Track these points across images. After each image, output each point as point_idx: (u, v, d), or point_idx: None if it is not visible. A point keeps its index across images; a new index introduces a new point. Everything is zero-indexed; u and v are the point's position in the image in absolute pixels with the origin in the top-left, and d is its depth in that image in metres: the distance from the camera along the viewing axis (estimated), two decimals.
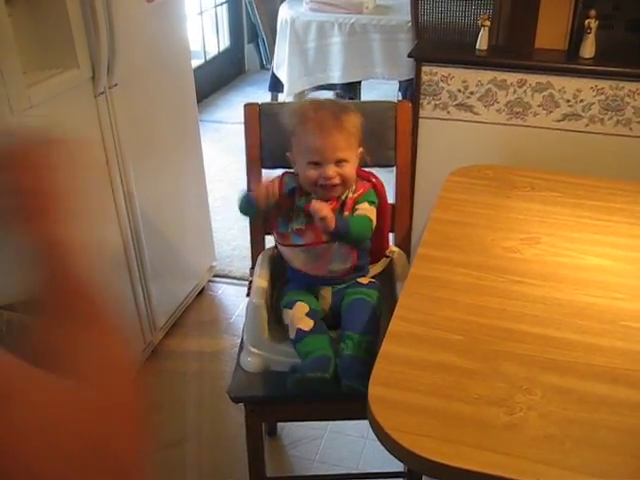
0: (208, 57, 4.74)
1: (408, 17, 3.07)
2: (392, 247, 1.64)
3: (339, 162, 1.42)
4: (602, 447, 0.90)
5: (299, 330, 1.39)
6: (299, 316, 1.41)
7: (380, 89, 4.47)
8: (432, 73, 2.12)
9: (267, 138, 1.64)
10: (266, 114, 1.63)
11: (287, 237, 1.50)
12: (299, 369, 1.34)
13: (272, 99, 3.96)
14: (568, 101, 2.05)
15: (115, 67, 1.84)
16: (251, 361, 1.49)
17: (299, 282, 1.52)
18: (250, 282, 1.56)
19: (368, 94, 4.40)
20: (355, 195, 1.48)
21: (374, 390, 0.99)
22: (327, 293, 1.50)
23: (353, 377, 1.28)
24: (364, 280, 1.53)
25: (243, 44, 5.14)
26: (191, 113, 2.39)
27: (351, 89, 3.73)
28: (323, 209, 1.34)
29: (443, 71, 2.11)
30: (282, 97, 3.79)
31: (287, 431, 2.03)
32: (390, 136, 1.63)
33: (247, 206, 1.49)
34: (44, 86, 1.62)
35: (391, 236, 1.69)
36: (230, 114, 4.34)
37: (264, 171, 1.68)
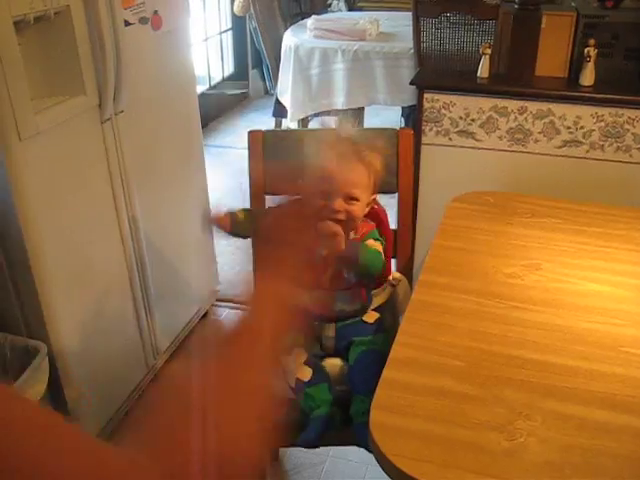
0: (212, 82, 4.79)
1: (411, 44, 3.13)
2: (394, 273, 1.65)
3: (350, 199, 1.39)
4: (602, 474, 0.90)
5: (298, 380, 1.39)
6: (297, 365, 1.41)
7: (383, 115, 4.52)
8: (434, 100, 2.15)
9: (270, 164, 1.66)
10: (270, 140, 1.65)
11: None
12: (306, 437, 1.34)
13: (276, 125, 4.01)
14: (569, 128, 2.07)
15: (121, 94, 1.86)
16: None
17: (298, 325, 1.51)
18: None
19: (371, 120, 4.44)
20: (358, 236, 1.46)
21: (375, 415, 0.99)
22: (330, 331, 1.49)
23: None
24: (370, 318, 1.51)
25: (247, 70, 5.19)
26: (196, 139, 2.42)
27: (354, 115, 3.76)
28: (335, 225, 1.33)
29: (445, 98, 2.14)
30: (286, 123, 3.83)
31: (289, 457, 2.02)
32: (392, 163, 1.65)
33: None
34: (51, 113, 1.64)
35: (393, 262, 1.70)
36: (234, 139, 4.38)
37: (267, 197, 1.70)
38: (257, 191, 1.68)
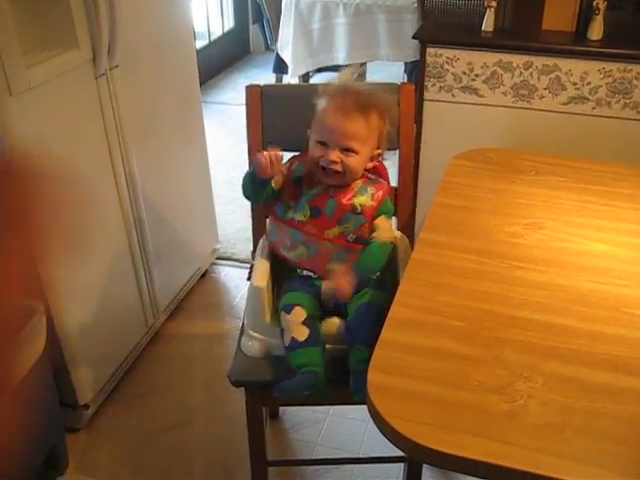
0: (212, 38, 4.70)
1: None
2: (395, 231, 1.62)
3: (346, 150, 1.38)
4: (603, 436, 0.89)
5: (293, 339, 1.37)
6: (295, 324, 1.38)
7: (386, 71, 4.44)
8: (437, 55, 2.09)
9: (269, 120, 1.62)
10: (268, 95, 1.61)
11: (283, 227, 1.46)
12: (287, 385, 1.32)
13: (277, 80, 3.93)
14: (575, 84, 2.02)
15: (116, 48, 1.81)
16: (252, 345, 1.48)
17: (300, 277, 1.48)
18: (252, 266, 1.55)
19: (374, 75, 4.37)
20: (375, 204, 1.44)
21: (373, 376, 0.98)
22: (330, 287, 1.45)
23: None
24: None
25: (248, 25, 5.09)
26: (194, 95, 2.37)
27: (357, 70, 3.69)
28: (341, 286, 1.36)
29: (448, 53, 2.08)
30: (286, 78, 3.76)
31: (289, 414, 2.03)
32: (393, 118, 1.61)
33: (251, 183, 1.44)
34: (44, 67, 1.59)
35: (393, 220, 1.67)
36: (234, 96, 4.31)
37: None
38: (256, 148, 1.64)
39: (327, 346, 1.43)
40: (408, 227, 1.66)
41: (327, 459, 1.83)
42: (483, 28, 2.07)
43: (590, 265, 1.24)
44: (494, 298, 1.14)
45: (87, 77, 1.76)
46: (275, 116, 1.61)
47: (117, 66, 1.86)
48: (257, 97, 1.61)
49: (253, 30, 5.07)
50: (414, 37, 2.09)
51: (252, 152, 1.65)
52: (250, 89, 1.61)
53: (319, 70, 3.76)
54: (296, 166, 1.48)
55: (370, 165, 1.46)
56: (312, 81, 4.01)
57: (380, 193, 1.45)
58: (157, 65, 2.09)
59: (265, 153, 1.37)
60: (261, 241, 1.59)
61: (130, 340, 2.16)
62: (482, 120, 2.14)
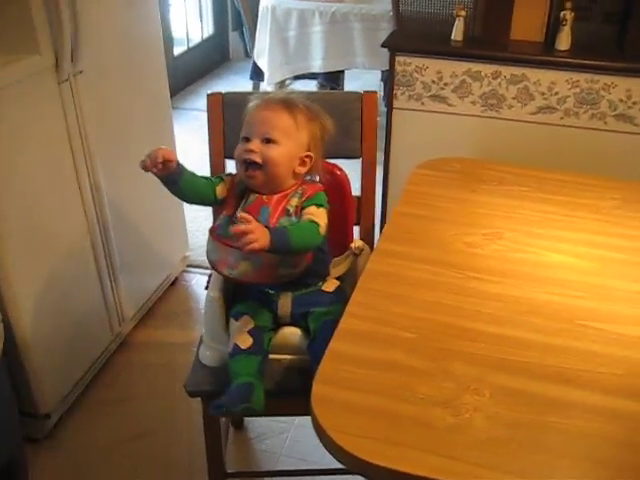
0: (191, 44, 4.68)
1: (390, 6, 3.04)
2: (357, 241, 1.61)
3: (267, 141, 1.33)
4: (548, 450, 0.88)
5: (235, 346, 1.34)
6: (240, 331, 1.36)
7: (363, 79, 4.44)
8: (406, 63, 2.09)
9: (231, 128, 1.60)
10: (230, 103, 1.59)
11: (226, 241, 1.34)
12: (221, 402, 1.25)
13: (254, 88, 3.93)
14: (543, 94, 2.02)
15: (80, 54, 1.79)
16: (209, 355, 1.46)
17: (254, 290, 1.44)
18: (210, 275, 1.53)
19: (352, 83, 4.37)
20: (303, 199, 1.37)
21: (318, 389, 0.96)
22: (287, 300, 1.42)
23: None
24: (329, 287, 1.46)
25: (227, 31, 5.08)
26: (164, 102, 2.35)
27: (333, 79, 3.69)
28: (251, 229, 1.17)
29: (417, 61, 2.07)
30: (263, 86, 3.75)
31: (254, 424, 2.01)
32: (356, 127, 1.60)
33: (164, 185, 1.38)
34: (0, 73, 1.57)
35: (356, 229, 1.66)
36: None
37: (228, 161, 1.65)
38: (217, 156, 1.62)
39: (287, 357, 1.42)
40: (370, 236, 1.65)
41: (288, 470, 1.81)
42: (452, 37, 2.06)
43: (546, 276, 1.23)
44: (447, 309, 1.13)
45: (49, 83, 1.74)
46: (237, 124, 1.59)
47: (81, 72, 1.84)
48: (218, 105, 1.59)
49: (233, 37, 5.05)
50: (383, 45, 2.09)
51: (214, 160, 1.63)
52: (211, 97, 1.59)
53: (297, 77, 3.75)
54: (239, 179, 1.42)
55: (302, 170, 1.39)
56: (289, 88, 4.00)
57: (310, 191, 1.38)
58: (125, 71, 2.07)
59: (141, 163, 1.32)
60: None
61: (95, 348, 2.12)
62: (451, 129, 2.13)
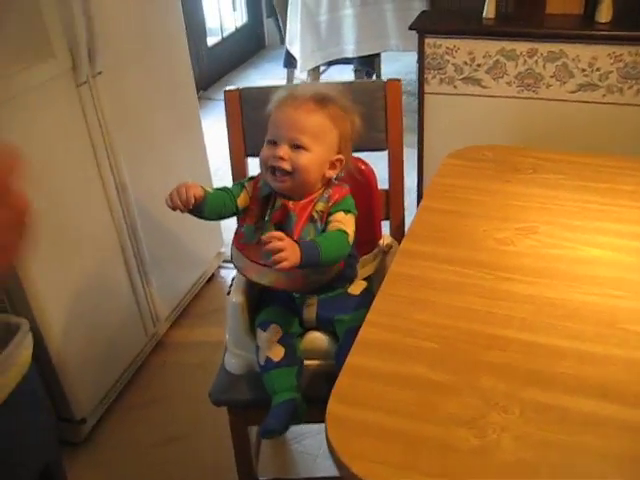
0: (225, 34, 4.64)
1: None
2: (385, 237, 1.54)
3: (296, 147, 1.24)
4: (582, 475, 0.80)
5: (268, 359, 1.29)
6: (270, 342, 1.30)
7: (403, 60, 4.32)
8: (436, 46, 1.99)
9: (251, 125, 1.55)
10: (248, 99, 1.53)
11: (253, 250, 1.30)
12: (269, 426, 1.23)
13: (288, 75, 3.86)
14: (583, 70, 1.90)
15: (97, 54, 1.75)
16: (234, 362, 1.42)
17: (278, 295, 1.37)
18: (233, 278, 1.48)
19: (390, 66, 4.27)
20: (330, 204, 1.29)
21: (333, 408, 0.90)
22: (312, 304, 1.36)
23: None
24: (356, 289, 1.38)
25: (262, 19, 5.02)
26: (190, 96, 2.31)
27: (369, 62, 3.60)
28: (277, 241, 1.12)
29: (448, 43, 1.98)
30: (296, 73, 3.68)
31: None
32: (380, 118, 1.52)
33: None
34: (14, 81, 1.54)
35: (386, 225, 1.59)
36: None
37: (250, 160, 1.60)
38: (238, 155, 1.57)
39: (315, 362, 1.36)
40: (400, 231, 1.57)
41: (319, 478, 1.76)
42: (484, 15, 1.96)
43: (584, 274, 1.14)
44: (475, 315, 1.05)
45: (67, 86, 1.70)
46: (257, 120, 1.53)
47: (100, 73, 1.80)
48: (236, 101, 1.53)
49: (268, 24, 4.99)
50: (411, 28, 1.99)
51: (234, 159, 1.58)
52: (228, 93, 1.53)
53: (331, 63, 3.66)
54: (262, 183, 1.34)
55: (331, 173, 1.31)
56: (324, 75, 3.92)
57: (337, 195, 1.30)
58: (146, 68, 2.03)
59: (169, 195, 1.25)
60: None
61: (129, 351, 2.11)
62: (487, 112, 2.03)
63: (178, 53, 2.21)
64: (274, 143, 1.26)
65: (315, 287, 1.33)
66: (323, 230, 1.29)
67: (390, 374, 0.95)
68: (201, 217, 1.34)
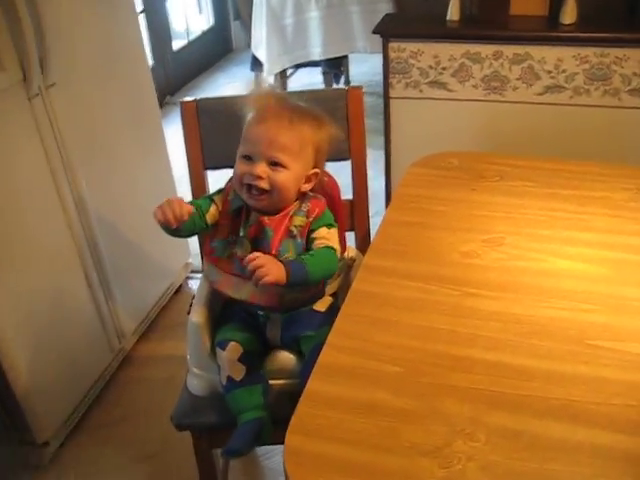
0: (192, 37, 4.57)
1: None
2: (350, 250, 1.49)
3: (274, 164, 1.21)
4: None
5: (229, 379, 1.25)
6: (230, 361, 1.25)
7: (371, 61, 4.27)
8: (400, 49, 1.96)
9: (208, 136, 1.49)
10: (205, 110, 1.48)
11: (226, 263, 1.28)
12: (233, 445, 1.19)
13: (255, 79, 3.80)
14: (549, 72, 1.87)
15: (50, 65, 1.69)
16: (197, 384, 1.37)
17: (240, 310, 1.33)
18: (193, 297, 1.43)
19: (358, 67, 4.23)
20: (310, 219, 1.27)
21: (291, 441, 0.85)
22: (275, 322, 1.32)
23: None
24: (322, 306, 1.33)
25: (229, 21, 4.95)
26: (150, 106, 2.24)
27: (336, 65, 3.56)
28: (261, 263, 1.11)
29: (412, 47, 1.94)
30: (263, 77, 3.64)
31: None
32: (342, 127, 1.48)
33: (165, 230, 1.28)
34: None
35: (351, 236, 1.54)
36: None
37: (208, 172, 1.55)
38: (196, 167, 1.52)
39: (280, 382, 1.32)
40: (367, 244, 1.52)
41: None
42: (448, 17, 1.93)
43: (552, 287, 1.10)
44: (439, 334, 1.01)
45: (18, 99, 1.64)
46: (214, 131, 1.49)
47: (54, 84, 1.73)
48: (193, 112, 1.48)
49: (235, 27, 4.93)
50: (374, 32, 1.96)
51: (193, 172, 1.52)
52: (184, 104, 1.48)
53: (298, 66, 3.61)
54: (233, 195, 1.30)
55: (307, 187, 1.29)
56: (292, 78, 3.87)
57: (316, 210, 1.28)
58: (104, 78, 1.96)
59: (158, 209, 1.21)
60: (205, 269, 1.46)
61: (94, 368, 2.04)
62: (453, 116, 2.00)
63: (137, 61, 2.15)
64: (249, 159, 1.22)
65: (290, 304, 1.29)
66: (307, 247, 1.27)
67: (351, 401, 0.91)
68: (176, 235, 1.31)
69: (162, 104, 3.97)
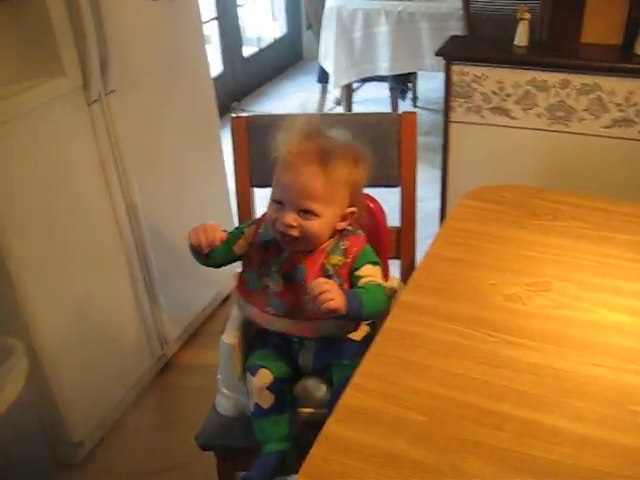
0: (263, 44, 4.60)
1: (459, 4, 2.85)
2: (392, 279, 1.45)
3: (305, 212, 1.17)
4: None
5: (257, 406, 1.23)
6: (259, 389, 1.23)
7: (440, 78, 4.18)
8: (463, 73, 1.90)
9: (257, 153, 1.48)
10: (254, 127, 1.47)
11: (260, 297, 1.26)
12: (252, 476, 1.18)
13: (321, 91, 3.79)
14: (619, 105, 1.79)
15: (110, 72, 1.71)
16: (225, 404, 1.35)
17: (274, 335, 1.30)
18: (227, 318, 1.41)
19: (427, 84, 4.18)
20: (349, 259, 1.22)
21: None
22: (309, 350, 1.29)
23: None
24: (357, 335, 1.29)
25: (301, 30, 4.97)
26: (209, 115, 2.25)
27: (403, 80, 3.51)
28: (328, 288, 1.07)
29: (475, 70, 1.89)
30: (329, 88, 3.63)
31: None
32: (394, 153, 1.44)
33: (195, 256, 1.27)
34: (22, 98, 1.50)
35: (396, 264, 1.50)
36: (281, 105, 4.19)
37: (256, 190, 1.53)
38: (243, 184, 1.50)
39: (308, 410, 1.29)
40: (410, 275, 1.48)
41: None
42: (516, 42, 1.86)
43: (598, 341, 1.03)
44: (470, 384, 0.96)
45: (77, 105, 1.67)
46: (264, 149, 1.46)
47: (113, 91, 1.76)
48: (243, 129, 1.47)
49: (307, 36, 4.94)
50: (437, 54, 1.91)
51: (239, 189, 1.51)
52: (235, 120, 1.47)
53: (364, 80, 3.59)
54: (263, 229, 1.28)
55: (343, 225, 1.24)
56: (358, 91, 3.85)
57: (355, 249, 1.23)
58: (163, 87, 1.98)
59: (192, 232, 1.20)
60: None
61: (133, 373, 2.06)
62: (514, 144, 1.93)
63: (199, 71, 2.16)
64: (280, 204, 1.19)
65: (325, 333, 1.27)
66: (350, 286, 1.22)
67: (369, 448, 0.87)
68: (206, 264, 1.31)
69: (228, 109, 4.01)
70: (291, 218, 1.16)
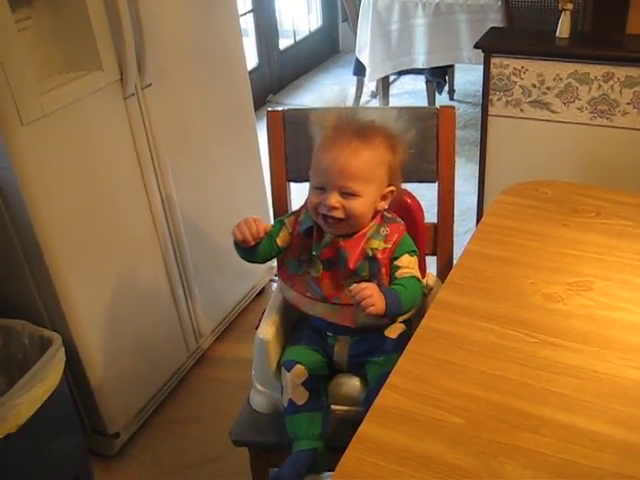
0: (299, 37, 4.58)
1: None
2: (430, 275, 1.43)
3: (346, 194, 1.18)
4: None
5: (291, 402, 1.23)
6: (294, 384, 1.23)
7: (478, 70, 4.12)
8: (503, 65, 1.86)
9: (293, 148, 1.47)
10: (290, 121, 1.46)
11: (300, 282, 1.28)
12: (282, 474, 1.18)
13: (357, 84, 3.76)
14: None
15: (147, 66, 1.72)
16: (259, 400, 1.35)
17: (310, 331, 1.32)
18: (264, 311, 1.41)
19: (465, 77, 4.13)
20: (390, 246, 1.23)
21: None
22: (344, 345, 1.29)
23: None
24: (393, 332, 1.28)
25: (337, 23, 4.93)
26: (246, 109, 2.24)
27: (440, 74, 3.46)
28: (369, 293, 1.10)
29: (515, 63, 1.84)
30: (366, 81, 3.60)
31: None
32: (431, 148, 1.42)
33: (240, 251, 1.29)
34: (60, 92, 1.51)
35: (432, 261, 1.48)
36: (317, 98, 4.17)
37: (292, 185, 1.53)
38: (278, 179, 1.49)
39: (342, 407, 1.28)
40: (448, 269, 1.46)
41: None
42: (557, 34, 1.81)
43: None
44: (509, 386, 0.94)
45: (114, 99, 1.67)
46: (299, 143, 1.46)
47: (150, 85, 1.77)
48: (279, 123, 1.46)
49: (343, 28, 4.90)
50: (476, 46, 1.87)
51: (275, 184, 1.50)
52: (271, 114, 1.46)
53: (401, 73, 3.55)
54: (304, 216, 1.29)
55: (383, 205, 1.25)
56: (395, 84, 3.81)
57: (395, 236, 1.24)
58: (200, 81, 1.98)
59: (236, 228, 1.22)
60: (278, 284, 1.44)
61: (168, 365, 2.07)
62: (555, 138, 1.89)
63: (236, 65, 2.15)
64: (322, 189, 1.20)
65: (363, 325, 1.27)
66: (389, 274, 1.24)
67: (404, 450, 0.85)
68: (251, 259, 1.33)
69: (264, 102, 4.01)
70: (334, 200, 1.18)
